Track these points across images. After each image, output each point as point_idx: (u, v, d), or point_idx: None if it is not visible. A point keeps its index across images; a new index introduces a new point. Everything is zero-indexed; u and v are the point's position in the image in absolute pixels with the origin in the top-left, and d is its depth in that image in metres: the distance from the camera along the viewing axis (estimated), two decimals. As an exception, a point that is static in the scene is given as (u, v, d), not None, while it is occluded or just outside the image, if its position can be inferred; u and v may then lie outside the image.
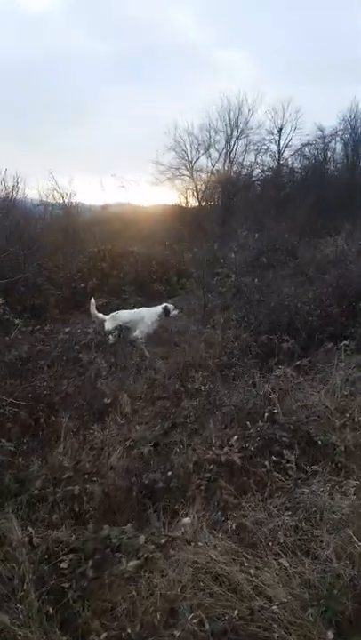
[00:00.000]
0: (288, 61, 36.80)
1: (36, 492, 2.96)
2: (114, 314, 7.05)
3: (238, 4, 37.93)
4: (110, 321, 6.96)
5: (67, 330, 6.71)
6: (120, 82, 38.94)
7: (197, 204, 22.30)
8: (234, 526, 2.49)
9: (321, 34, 35.07)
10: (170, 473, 3.13)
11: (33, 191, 16.21)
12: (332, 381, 4.02)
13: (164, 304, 7.10)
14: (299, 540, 2.36)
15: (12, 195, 15.88)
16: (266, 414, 3.47)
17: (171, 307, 7.03)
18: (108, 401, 4.88)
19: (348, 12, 37.40)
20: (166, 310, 6.94)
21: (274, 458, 3.13)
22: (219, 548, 2.32)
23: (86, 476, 3.37)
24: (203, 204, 22.19)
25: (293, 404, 3.76)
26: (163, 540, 2.39)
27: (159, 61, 37.38)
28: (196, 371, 5.75)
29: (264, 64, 37.17)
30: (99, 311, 8.52)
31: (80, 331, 6.81)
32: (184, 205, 22.03)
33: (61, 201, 15.77)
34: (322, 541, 2.33)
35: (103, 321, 7.09)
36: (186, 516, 2.82)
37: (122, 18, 37.80)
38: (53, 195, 15.65)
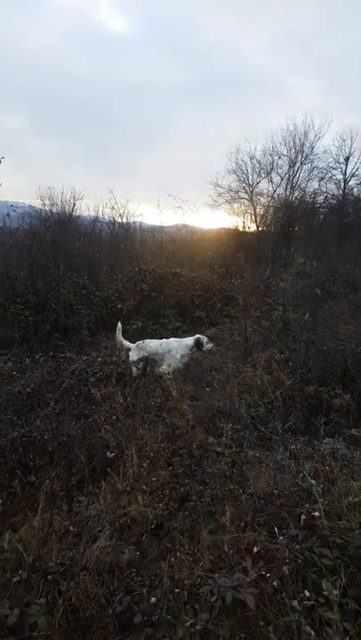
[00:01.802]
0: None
1: None
2: (140, 343, 6.20)
3: (309, 30, 37.16)
4: (135, 351, 6.12)
5: (84, 358, 5.95)
6: (187, 108, 39.18)
7: (256, 228, 21.35)
8: None
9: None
10: (153, 599, 2.17)
11: (89, 208, 15.94)
12: None
13: (196, 335, 6.16)
14: None
15: (69, 210, 15.78)
16: (303, 516, 2.44)
17: (204, 339, 6.09)
18: (112, 455, 4.00)
19: None
20: (198, 343, 6.00)
21: (307, 594, 2.10)
22: None
23: (49, 577, 2.48)
24: (261, 228, 21.21)
25: (343, 498, 2.69)
26: None
27: (228, 89, 37.26)
28: (228, 420, 4.80)
29: (335, 91, 36.11)
30: (130, 336, 7.80)
31: (101, 359, 6.02)
32: (242, 229, 21.12)
33: (119, 220, 15.43)
34: None
35: (128, 350, 6.27)
36: None
37: (191, 45, 38.18)
38: (110, 212, 15.35)
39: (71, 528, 3.08)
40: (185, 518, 3.17)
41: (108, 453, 4.02)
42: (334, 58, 36.62)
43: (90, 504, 3.42)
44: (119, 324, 6.51)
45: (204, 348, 6.03)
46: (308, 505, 2.53)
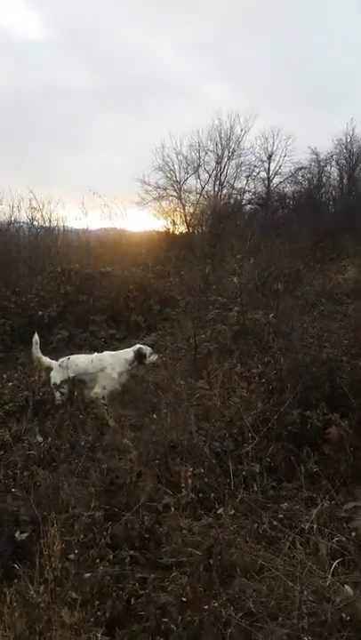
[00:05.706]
0: (279, 88, 35.81)
1: None
2: (63, 360, 4.81)
3: (222, 35, 36.80)
4: (58, 371, 4.74)
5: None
6: (108, 111, 37.43)
7: (186, 226, 20.41)
8: None
9: (314, 59, 34.14)
10: None
11: (10, 207, 14.02)
12: None
13: (137, 346, 4.89)
14: None
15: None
16: None
17: (147, 350, 4.83)
18: (24, 537, 2.68)
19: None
20: (140, 355, 4.75)
21: None
22: None
23: None
24: (192, 226, 20.32)
25: None
26: None
27: (147, 92, 36.02)
28: (184, 460, 3.63)
29: (252, 94, 36.11)
30: (54, 348, 6.42)
31: (12, 383, 4.63)
32: (172, 229, 20.07)
33: (40, 220, 13.70)
34: None
35: (50, 369, 4.89)
36: None
37: (109, 48, 36.60)
38: (29, 212, 13.61)
39: None
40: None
41: (18, 533, 2.70)
42: (250, 60, 36.45)
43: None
44: (36, 337, 5.07)
45: (147, 361, 4.80)
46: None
